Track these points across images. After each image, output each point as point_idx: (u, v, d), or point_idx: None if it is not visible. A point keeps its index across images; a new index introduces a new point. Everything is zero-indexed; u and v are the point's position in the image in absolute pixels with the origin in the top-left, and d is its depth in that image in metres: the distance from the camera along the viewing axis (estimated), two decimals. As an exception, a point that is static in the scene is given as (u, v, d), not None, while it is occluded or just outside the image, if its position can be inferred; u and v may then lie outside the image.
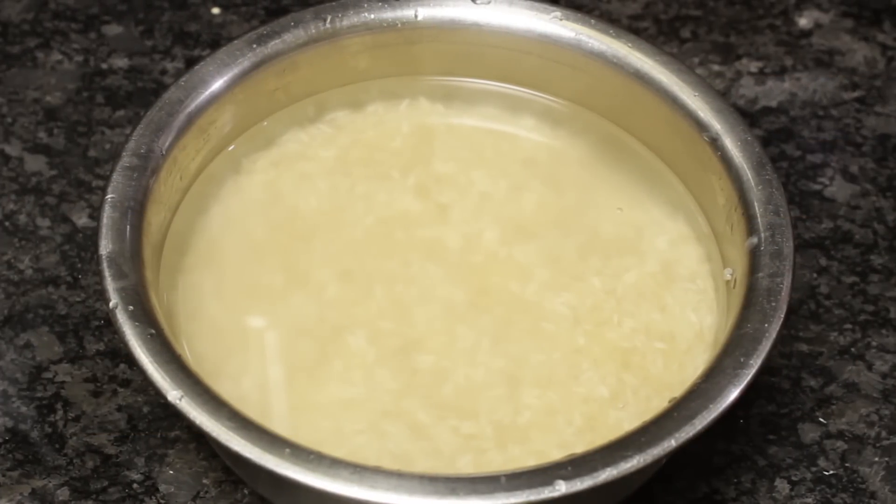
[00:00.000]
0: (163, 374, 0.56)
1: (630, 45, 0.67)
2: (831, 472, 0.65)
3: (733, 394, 0.56)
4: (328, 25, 0.67)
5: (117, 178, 0.61)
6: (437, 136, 0.69)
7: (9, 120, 0.76)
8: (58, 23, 0.81)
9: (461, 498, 0.53)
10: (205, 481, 0.64)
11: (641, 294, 0.63)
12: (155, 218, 0.62)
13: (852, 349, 0.69)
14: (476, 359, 0.61)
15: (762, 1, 0.83)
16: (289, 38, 0.67)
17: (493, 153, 0.68)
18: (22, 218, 0.72)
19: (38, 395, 0.66)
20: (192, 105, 0.64)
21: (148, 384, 0.56)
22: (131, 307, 0.57)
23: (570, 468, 0.54)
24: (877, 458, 0.65)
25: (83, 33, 0.80)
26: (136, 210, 0.61)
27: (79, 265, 0.70)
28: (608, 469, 0.54)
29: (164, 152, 0.63)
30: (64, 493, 0.63)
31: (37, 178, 0.74)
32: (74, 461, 0.64)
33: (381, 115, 0.69)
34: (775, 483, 0.64)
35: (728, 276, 0.62)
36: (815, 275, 0.71)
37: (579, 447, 0.55)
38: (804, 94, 0.79)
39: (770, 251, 0.60)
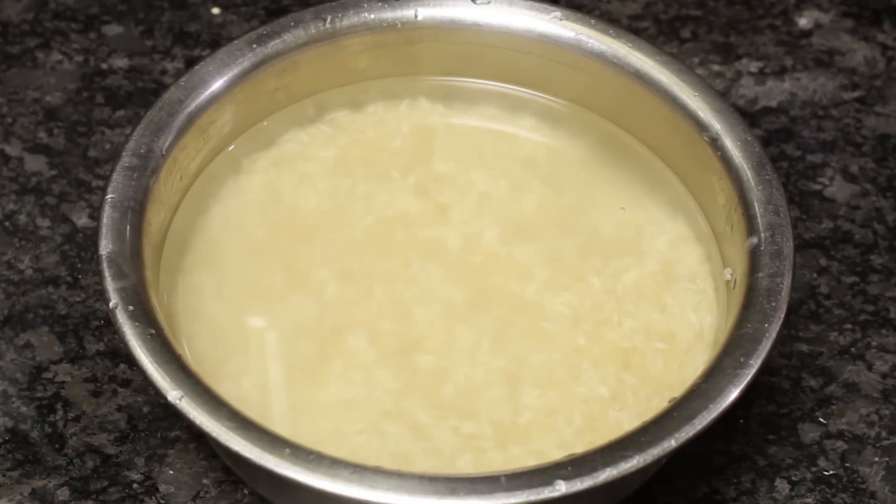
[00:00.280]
0: (163, 374, 0.56)
1: (630, 45, 0.67)
2: (831, 472, 0.65)
3: (733, 394, 0.56)
4: (328, 25, 0.67)
5: (117, 178, 0.61)
6: (437, 136, 0.69)
7: (9, 120, 0.76)
8: (58, 23, 0.81)
9: (461, 498, 0.53)
10: (205, 481, 0.64)
11: (641, 294, 0.63)
12: (155, 218, 0.62)
13: (852, 349, 0.69)
14: (476, 359, 0.61)
15: (762, 1, 0.83)
16: (289, 38, 0.67)
17: (493, 153, 0.68)
18: (22, 218, 0.72)
19: (38, 395, 0.66)
20: (192, 105, 0.64)
21: (148, 384, 0.56)
22: (131, 307, 0.57)
23: (570, 468, 0.54)
24: (877, 458, 0.65)
25: (83, 33, 0.80)
26: (136, 210, 0.61)
27: (79, 265, 0.70)
28: (608, 469, 0.54)
29: (164, 152, 0.63)
30: (64, 493, 0.63)
31: (37, 178, 0.74)
32: (74, 461, 0.64)
33: (381, 115, 0.69)
34: (775, 483, 0.64)
35: (728, 276, 0.62)
36: (815, 275, 0.71)
37: (579, 447, 0.55)
38: (804, 94, 0.79)
39: (770, 251, 0.60)
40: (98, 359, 0.67)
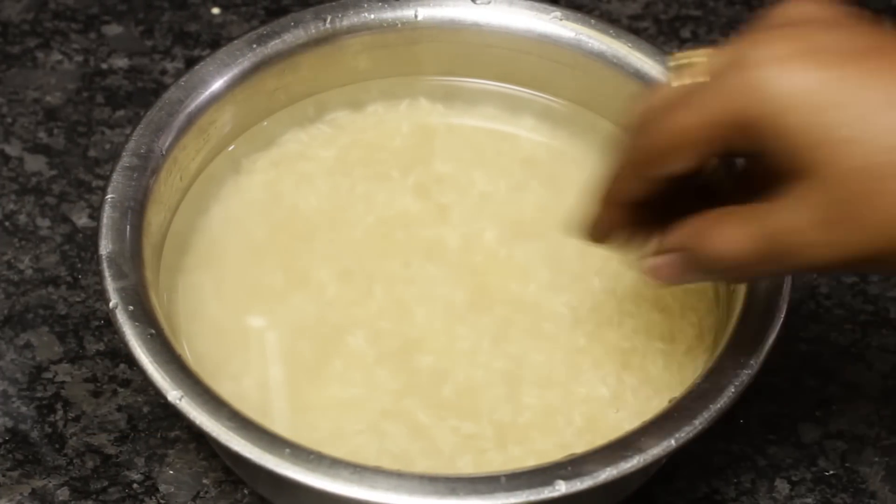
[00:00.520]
0: (163, 374, 0.56)
1: (630, 45, 0.67)
2: (831, 472, 0.65)
3: (733, 394, 0.56)
4: (328, 25, 0.67)
5: (117, 178, 0.61)
6: (438, 136, 0.69)
7: (9, 120, 0.76)
8: (58, 23, 0.81)
9: (461, 498, 0.53)
10: (205, 481, 0.64)
11: (641, 294, 0.63)
12: (155, 218, 0.62)
13: (852, 349, 0.69)
14: (476, 359, 0.61)
15: (762, 1, 0.83)
16: (289, 38, 0.67)
17: (493, 153, 0.68)
18: (22, 218, 0.72)
19: (38, 395, 0.66)
20: (192, 105, 0.64)
21: (148, 384, 0.56)
22: (131, 307, 0.57)
23: (570, 468, 0.54)
24: (877, 458, 0.65)
25: (83, 33, 0.80)
26: (136, 210, 0.61)
27: (79, 265, 0.70)
28: (608, 469, 0.54)
29: (164, 152, 0.63)
30: (64, 493, 0.63)
31: (37, 178, 0.74)
32: (74, 461, 0.64)
33: (381, 115, 0.69)
34: (775, 483, 0.64)
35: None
36: (815, 275, 0.71)
37: (579, 447, 0.55)
38: (804, 94, 0.79)
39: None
40: (98, 359, 0.67)
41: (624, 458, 0.54)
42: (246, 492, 0.63)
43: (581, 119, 0.69)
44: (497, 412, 0.60)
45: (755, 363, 0.57)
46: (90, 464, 0.64)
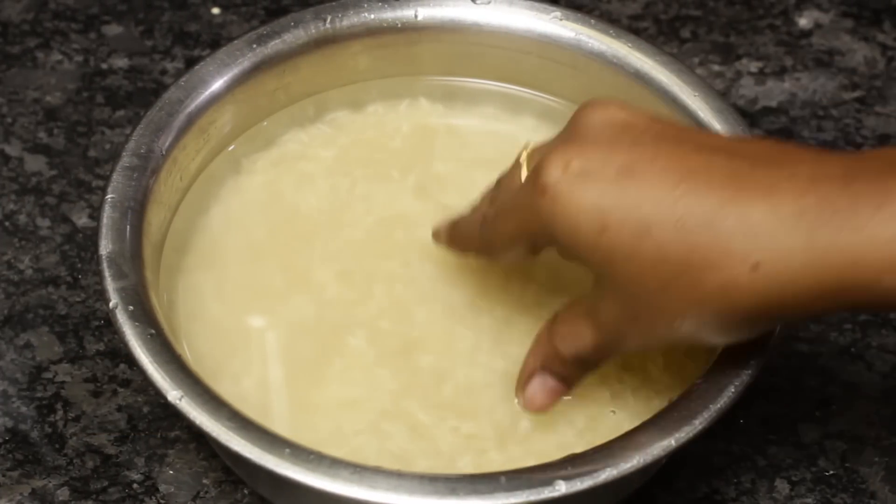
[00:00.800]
0: (163, 374, 0.56)
1: (630, 45, 0.67)
2: (831, 472, 0.65)
3: (733, 394, 0.56)
4: (328, 25, 0.67)
5: (117, 178, 0.61)
6: (438, 136, 0.69)
7: (9, 120, 0.76)
8: (58, 23, 0.81)
9: (461, 498, 0.53)
10: (205, 481, 0.64)
11: (641, 294, 0.63)
12: (155, 218, 0.62)
13: (852, 349, 0.69)
14: (476, 359, 0.61)
15: (762, 1, 0.83)
16: (289, 38, 0.67)
17: (494, 153, 0.68)
18: (22, 218, 0.72)
19: (38, 395, 0.66)
20: (192, 105, 0.64)
21: (148, 384, 0.56)
22: (131, 307, 0.57)
23: (570, 468, 0.54)
24: (877, 458, 0.65)
25: (83, 33, 0.80)
26: (136, 210, 0.61)
27: (79, 265, 0.70)
28: (608, 469, 0.54)
29: (164, 152, 0.63)
30: (64, 493, 0.63)
31: (37, 178, 0.74)
32: (74, 461, 0.64)
33: (381, 115, 0.69)
34: (775, 483, 0.64)
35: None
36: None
37: (579, 447, 0.55)
38: (804, 94, 0.79)
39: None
40: (98, 359, 0.67)
41: (624, 458, 0.54)
42: (246, 492, 0.63)
43: (581, 119, 0.69)
44: (497, 412, 0.60)
45: (755, 363, 0.57)
46: (90, 464, 0.64)
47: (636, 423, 0.56)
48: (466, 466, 0.58)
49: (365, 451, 0.58)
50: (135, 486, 0.63)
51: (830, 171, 0.51)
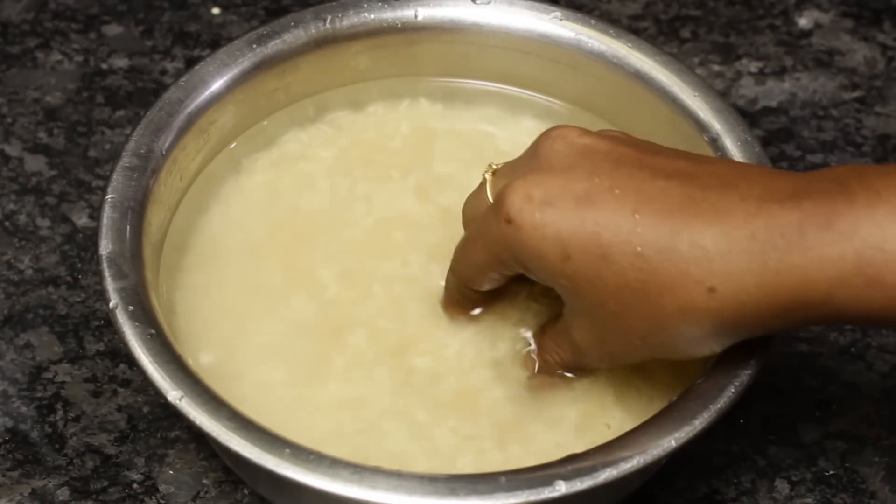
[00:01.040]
0: (163, 374, 0.56)
1: (630, 45, 0.67)
2: (831, 472, 0.65)
3: (733, 394, 0.56)
4: (328, 25, 0.67)
5: (117, 178, 0.61)
6: (438, 137, 0.69)
7: (9, 120, 0.76)
8: (58, 23, 0.81)
9: (461, 498, 0.53)
10: (205, 481, 0.64)
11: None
12: (155, 218, 0.62)
13: (852, 349, 0.69)
14: (476, 359, 0.61)
15: (762, 1, 0.83)
16: (289, 38, 0.67)
17: (493, 153, 0.68)
18: (22, 218, 0.72)
19: (38, 395, 0.66)
20: (192, 105, 0.64)
21: (148, 384, 0.56)
22: (131, 307, 0.57)
23: (570, 468, 0.54)
24: (877, 458, 0.65)
25: (83, 33, 0.80)
26: (136, 210, 0.61)
27: (79, 265, 0.70)
28: (608, 469, 0.54)
29: (164, 152, 0.63)
30: (64, 493, 0.63)
31: (37, 178, 0.74)
32: (74, 461, 0.64)
33: (381, 115, 0.69)
34: (775, 483, 0.64)
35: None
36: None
37: (579, 447, 0.55)
38: (804, 95, 0.79)
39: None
40: (98, 359, 0.67)
41: (624, 458, 0.54)
42: (246, 492, 0.63)
43: (581, 120, 0.69)
44: (497, 412, 0.60)
45: (755, 363, 0.57)
46: (90, 464, 0.64)
47: (636, 423, 0.56)
48: (466, 466, 0.58)
49: (365, 451, 0.58)
50: (135, 486, 0.63)
51: (780, 193, 0.52)
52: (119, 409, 0.66)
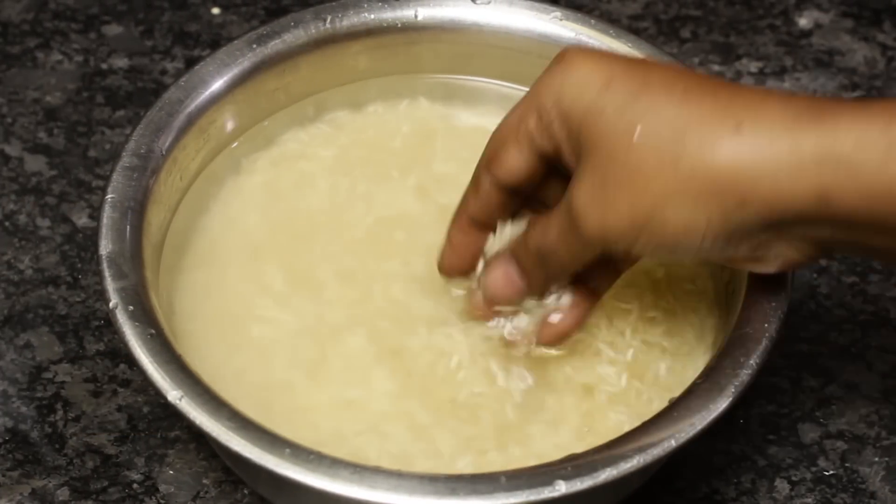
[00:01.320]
0: (163, 374, 0.56)
1: (630, 45, 0.67)
2: (831, 472, 0.65)
3: (733, 394, 0.56)
4: (328, 25, 0.67)
5: (117, 178, 0.61)
6: (438, 136, 0.69)
7: (9, 120, 0.76)
8: (58, 23, 0.81)
9: (461, 498, 0.53)
10: (205, 481, 0.64)
11: (642, 295, 0.63)
12: (155, 218, 0.62)
13: (852, 349, 0.69)
14: (476, 360, 0.61)
15: (762, 1, 0.83)
16: (289, 38, 0.67)
17: (493, 153, 0.68)
18: (22, 218, 0.72)
19: (38, 395, 0.66)
20: (192, 105, 0.64)
21: (148, 384, 0.56)
22: (131, 307, 0.57)
23: (570, 468, 0.54)
24: (877, 458, 0.65)
25: (83, 33, 0.80)
26: (136, 210, 0.61)
27: (79, 265, 0.70)
28: (608, 469, 0.54)
29: (164, 152, 0.63)
30: (64, 493, 0.63)
31: (37, 178, 0.74)
32: (74, 461, 0.64)
33: (381, 114, 0.69)
34: (775, 483, 0.64)
35: (728, 277, 0.62)
36: (815, 275, 0.71)
37: (579, 447, 0.55)
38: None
39: (770, 251, 0.60)
40: (98, 359, 0.67)
41: (624, 458, 0.54)
42: (246, 492, 0.63)
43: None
44: (497, 413, 0.60)
45: (755, 363, 0.57)
46: (90, 464, 0.64)
47: (636, 423, 0.56)
48: (466, 467, 0.58)
49: (365, 452, 0.58)
50: (135, 486, 0.63)
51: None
52: (119, 409, 0.66)
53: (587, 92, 0.54)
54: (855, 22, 0.82)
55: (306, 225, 0.65)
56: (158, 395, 0.55)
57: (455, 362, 0.61)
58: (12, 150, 0.75)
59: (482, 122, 0.69)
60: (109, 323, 0.67)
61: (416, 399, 0.60)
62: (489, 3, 0.68)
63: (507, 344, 0.60)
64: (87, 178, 0.74)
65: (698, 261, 0.61)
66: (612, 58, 0.56)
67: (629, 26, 0.81)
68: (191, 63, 0.77)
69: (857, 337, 0.69)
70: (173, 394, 0.55)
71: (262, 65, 0.66)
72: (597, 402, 0.60)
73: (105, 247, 0.59)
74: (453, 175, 0.67)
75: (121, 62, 0.79)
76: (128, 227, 0.60)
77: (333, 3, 0.68)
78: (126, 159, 0.62)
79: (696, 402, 0.56)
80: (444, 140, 0.69)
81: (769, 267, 0.56)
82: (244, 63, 0.66)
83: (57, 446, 0.64)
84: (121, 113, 0.77)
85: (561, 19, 0.68)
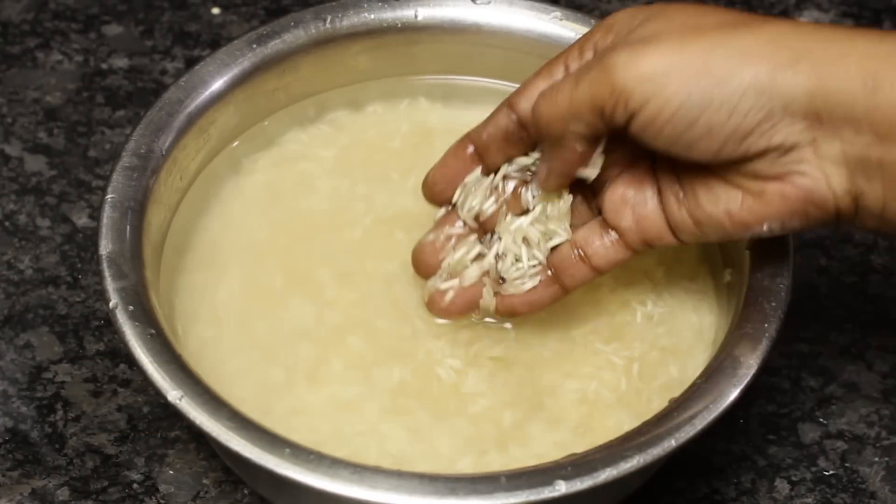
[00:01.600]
0: (163, 374, 0.56)
1: (630, 45, 0.67)
2: (831, 472, 0.65)
3: (733, 394, 0.56)
4: (328, 25, 0.67)
5: (117, 178, 0.61)
6: (437, 136, 0.69)
7: (9, 120, 0.76)
8: (58, 23, 0.81)
9: (461, 498, 0.53)
10: (205, 481, 0.64)
11: (642, 294, 0.63)
12: (155, 218, 0.62)
13: (852, 349, 0.69)
14: (476, 360, 0.61)
15: (762, 1, 0.83)
16: (289, 38, 0.67)
17: (493, 153, 0.68)
18: (22, 218, 0.72)
19: (38, 395, 0.66)
20: (192, 105, 0.64)
21: (148, 384, 0.56)
22: (131, 307, 0.57)
23: (570, 468, 0.54)
24: (877, 458, 0.65)
25: (83, 33, 0.80)
26: (136, 210, 0.61)
27: (79, 265, 0.70)
28: (608, 469, 0.54)
29: (164, 152, 0.63)
30: (64, 493, 0.63)
31: (37, 178, 0.74)
32: (74, 461, 0.64)
33: (381, 115, 0.69)
34: (775, 483, 0.64)
35: (728, 277, 0.62)
36: (815, 275, 0.71)
37: (579, 447, 0.55)
38: (804, 94, 0.79)
39: (770, 251, 0.60)
40: (98, 359, 0.67)
41: (624, 458, 0.54)
42: (246, 492, 0.63)
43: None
44: (497, 413, 0.60)
45: (755, 363, 0.57)
46: (90, 464, 0.64)
47: (636, 423, 0.56)
48: (466, 467, 0.58)
49: (365, 453, 0.58)
50: (135, 486, 0.63)
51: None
52: (119, 409, 0.66)
53: (636, 15, 0.55)
54: (855, 22, 0.82)
55: (306, 225, 0.65)
56: (158, 395, 0.55)
57: (454, 363, 0.61)
58: (12, 150, 0.75)
59: (482, 122, 0.69)
60: (109, 323, 0.67)
61: (416, 399, 0.60)
62: (489, 3, 0.68)
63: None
64: (87, 178, 0.74)
65: (717, 160, 0.55)
66: (647, 54, 0.55)
67: (629, 26, 0.81)
68: (191, 63, 0.77)
69: (857, 337, 0.69)
70: (173, 394, 0.55)
71: (262, 65, 0.66)
72: (597, 402, 0.60)
73: (105, 247, 0.59)
74: (453, 175, 0.67)
75: (121, 62, 0.79)
76: (128, 227, 0.60)
77: (333, 3, 0.68)
78: (126, 159, 0.62)
79: (696, 402, 0.56)
80: (443, 140, 0.69)
81: (778, 208, 0.54)
82: (244, 63, 0.66)
83: (57, 446, 0.64)
84: (121, 113, 0.77)
85: (561, 19, 0.68)
